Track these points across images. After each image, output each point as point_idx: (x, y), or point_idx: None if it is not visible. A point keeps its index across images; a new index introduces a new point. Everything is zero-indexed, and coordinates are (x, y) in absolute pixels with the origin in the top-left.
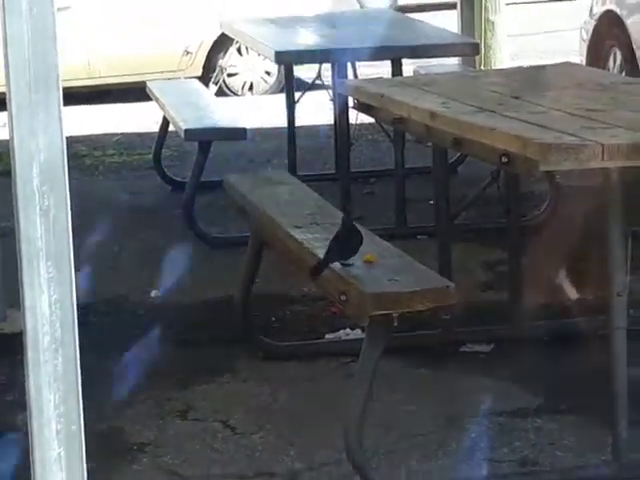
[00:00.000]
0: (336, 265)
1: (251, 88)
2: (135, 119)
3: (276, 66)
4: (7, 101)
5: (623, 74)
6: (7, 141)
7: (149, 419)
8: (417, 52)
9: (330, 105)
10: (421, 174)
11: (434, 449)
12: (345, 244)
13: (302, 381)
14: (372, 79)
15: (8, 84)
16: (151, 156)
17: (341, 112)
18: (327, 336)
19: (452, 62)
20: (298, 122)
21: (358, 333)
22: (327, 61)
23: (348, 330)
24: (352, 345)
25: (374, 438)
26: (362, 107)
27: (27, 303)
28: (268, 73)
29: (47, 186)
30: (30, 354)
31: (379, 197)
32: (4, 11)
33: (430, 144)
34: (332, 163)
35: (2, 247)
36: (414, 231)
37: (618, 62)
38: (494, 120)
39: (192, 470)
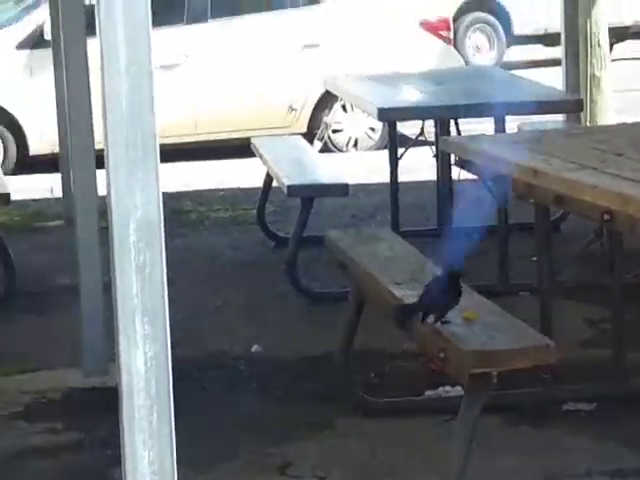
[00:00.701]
0: (436, 323)
1: (356, 144)
2: (240, 175)
3: (381, 123)
4: (105, 159)
5: None
6: None
7: (248, 474)
8: (520, 110)
9: (433, 162)
10: (524, 230)
11: None
12: (441, 293)
13: (401, 438)
14: (474, 136)
15: (106, 142)
16: (255, 211)
17: (444, 169)
18: (427, 393)
19: (556, 118)
20: (401, 178)
21: (458, 390)
22: (429, 118)
23: (448, 387)
24: (452, 402)
25: None
26: (464, 164)
27: (122, 359)
28: (373, 129)
29: (143, 242)
30: (125, 411)
31: (481, 253)
32: (103, 69)
33: (532, 201)
34: (435, 219)
35: (106, 301)
36: (516, 288)
37: None
38: (596, 177)
39: None
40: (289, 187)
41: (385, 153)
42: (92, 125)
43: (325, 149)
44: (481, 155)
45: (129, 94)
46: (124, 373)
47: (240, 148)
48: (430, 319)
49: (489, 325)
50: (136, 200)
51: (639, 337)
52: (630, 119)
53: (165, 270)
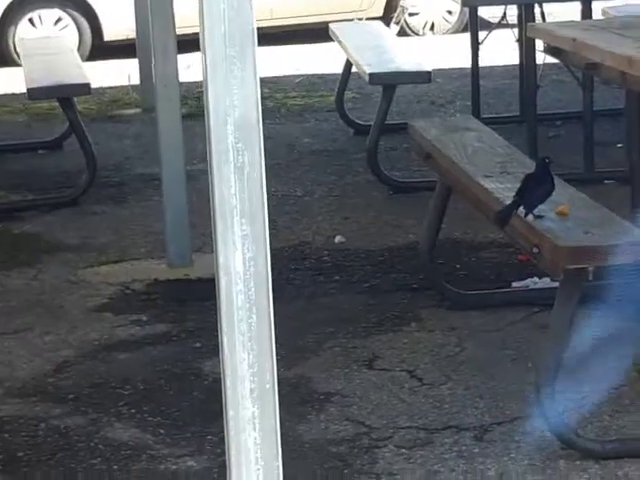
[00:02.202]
0: (529, 217)
1: (432, 28)
2: (316, 61)
3: (458, 5)
4: (202, 56)
5: None
6: (190, 84)
7: (335, 368)
8: None
9: (514, 45)
10: (608, 117)
11: (627, 404)
12: (537, 189)
13: (489, 331)
14: (563, 22)
15: (203, 38)
16: (332, 98)
17: (528, 55)
18: (514, 284)
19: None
20: (481, 63)
21: (547, 282)
22: (514, 3)
23: (536, 279)
24: (541, 294)
25: (564, 392)
26: (552, 51)
27: (221, 261)
28: (450, 12)
29: (242, 143)
30: (224, 313)
31: (565, 140)
32: None
33: (615, 85)
34: (516, 105)
35: (188, 191)
36: (602, 176)
37: None
38: None
39: (379, 421)
40: (371, 75)
41: (463, 37)
42: (173, 11)
43: (402, 33)
44: (571, 42)
45: None
46: (222, 274)
47: (315, 33)
48: (529, 216)
49: (584, 220)
50: (234, 99)
51: None
52: None
53: (264, 170)
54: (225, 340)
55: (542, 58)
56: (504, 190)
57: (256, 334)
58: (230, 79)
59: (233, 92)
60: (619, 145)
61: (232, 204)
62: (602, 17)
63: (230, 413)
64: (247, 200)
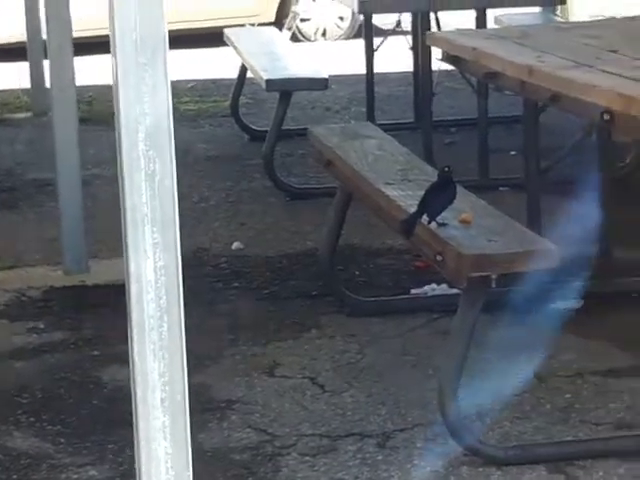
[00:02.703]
0: (432, 225)
1: (324, 34)
2: (208, 66)
3: (350, 11)
4: (112, 63)
5: None
6: (80, 88)
7: (236, 376)
8: (507, 2)
9: (407, 52)
10: (502, 124)
11: (527, 410)
12: (439, 197)
13: (390, 337)
14: (462, 31)
15: (113, 45)
16: (227, 103)
17: (424, 62)
18: (412, 291)
19: (534, 11)
20: (375, 69)
21: (444, 288)
22: (409, 10)
23: (434, 285)
24: (439, 301)
25: (465, 398)
26: (450, 59)
27: (132, 269)
28: (341, 18)
29: (153, 150)
30: (135, 321)
31: (460, 147)
32: None
33: (509, 92)
34: (410, 111)
35: (84, 196)
36: (497, 183)
37: None
38: (593, 76)
39: (282, 429)
40: (268, 81)
41: (355, 42)
42: (69, 13)
43: (294, 38)
44: (471, 51)
45: None
46: (134, 283)
47: (205, 37)
48: (432, 223)
49: (486, 228)
50: (145, 106)
51: (627, 234)
52: (607, 13)
53: (175, 178)
54: (136, 349)
55: (437, 65)
56: (406, 198)
57: (167, 343)
58: (141, 86)
59: (144, 100)
60: (512, 152)
61: (143, 212)
62: (495, 25)
63: (140, 423)
64: (158, 208)
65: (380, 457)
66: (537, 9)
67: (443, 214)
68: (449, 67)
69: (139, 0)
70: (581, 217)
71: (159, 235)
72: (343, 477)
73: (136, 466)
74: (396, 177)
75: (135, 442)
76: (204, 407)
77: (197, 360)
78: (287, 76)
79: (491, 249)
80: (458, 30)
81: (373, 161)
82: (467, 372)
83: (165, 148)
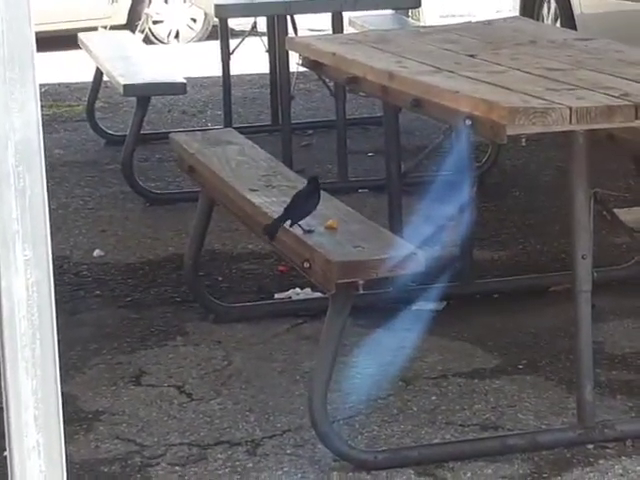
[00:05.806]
0: (299, 231)
1: (177, 36)
2: (60, 69)
3: (202, 13)
4: None
5: (558, 23)
6: None
7: (102, 385)
8: (360, 4)
9: (262, 54)
10: (358, 126)
11: (395, 413)
12: (303, 203)
13: (255, 343)
14: (321, 36)
15: None
16: (81, 108)
17: (282, 65)
18: (276, 295)
19: (387, 13)
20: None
21: (308, 292)
22: (265, 14)
23: (298, 289)
24: (303, 305)
25: (333, 403)
26: (310, 64)
27: (3, 286)
28: (194, 20)
29: (23, 166)
30: (6, 339)
31: (317, 149)
32: None
33: (364, 94)
34: (267, 114)
35: None
36: (356, 185)
37: (552, 11)
38: (454, 81)
39: (150, 438)
40: (125, 86)
41: (209, 44)
42: None
43: (147, 41)
44: (331, 56)
45: (5, 10)
46: (5, 300)
47: (58, 40)
48: (296, 228)
49: (352, 234)
50: (14, 122)
51: (485, 235)
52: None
53: (46, 193)
54: (8, 367)
55: (294, 67)
56: (271, 204)
57: (40, 360)
58: (10, 102)
59: (13, 115)
60: (370, 154)
61: (14, 229)
62: (350, 27)
63: (14, 441)
64: (29, 224)
65: (250, 464)
66: (390, 12)
67: (310, 221)
68: (304, 69)
69: (7, 15)
70: (441, 219)
71: (30, 252)
72: None
73: None
74: (259, 183)
75: (8, 461)
76: (71, 418)
77: (62, 370)
78: (145, 81)
79: (357, 255)
80: (318, 35)
81: (236, 167)
82: (335, 377)
83: (35, 164)
